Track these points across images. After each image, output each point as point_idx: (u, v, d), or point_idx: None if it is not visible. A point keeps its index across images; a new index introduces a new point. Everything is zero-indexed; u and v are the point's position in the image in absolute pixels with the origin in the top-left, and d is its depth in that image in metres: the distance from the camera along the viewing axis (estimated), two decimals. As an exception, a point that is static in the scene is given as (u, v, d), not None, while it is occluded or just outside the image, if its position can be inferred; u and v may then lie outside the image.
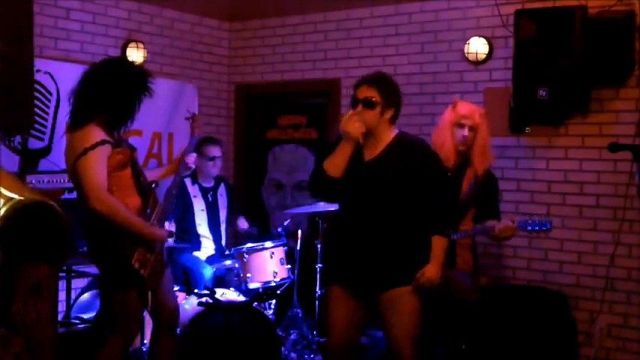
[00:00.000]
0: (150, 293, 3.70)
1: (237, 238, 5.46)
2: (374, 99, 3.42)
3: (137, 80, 3.67)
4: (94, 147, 3.45)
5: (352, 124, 3.41)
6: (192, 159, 4.16)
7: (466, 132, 4.03)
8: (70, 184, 4.54)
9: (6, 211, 1.47)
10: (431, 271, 3.44)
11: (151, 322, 4.16)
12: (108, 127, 3.56)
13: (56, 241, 1.58)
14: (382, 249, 3.44)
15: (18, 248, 1.51)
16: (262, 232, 5.72)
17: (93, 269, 4.90)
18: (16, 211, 1.48)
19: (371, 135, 3.48)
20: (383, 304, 3.46)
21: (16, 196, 1.51)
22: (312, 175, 3.65)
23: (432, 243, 3.47)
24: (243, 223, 5.47)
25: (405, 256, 3.46)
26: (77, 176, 3.50)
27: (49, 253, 1.56)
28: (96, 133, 3.50)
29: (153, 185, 3.79)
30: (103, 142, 3.48)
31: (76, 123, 3.58)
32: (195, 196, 5.32)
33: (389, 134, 3.52)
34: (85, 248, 4.55)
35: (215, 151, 5.34)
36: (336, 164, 3.49)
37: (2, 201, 1.49)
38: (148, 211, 3.66)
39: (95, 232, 3.60)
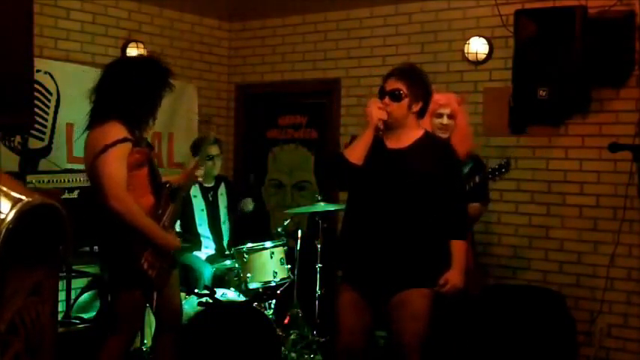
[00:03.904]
0: (155, 293, 3.69)
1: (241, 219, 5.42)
2: (401, 92, 3.39)
3: (160, 77, 3.65)
4: (114, 144, 3.41)
5: (375, 109, 3.38)
6: (201, 172, 4.18)
7: (445, 120, 4.09)
8: (69, 184, 4.56)
9: (17, 212, 1.46)
10: (455, 277, 3.40)
11: (151, 322, 4.17)
12: (129, 124, 3.52)
13: (60, 242, 1.58)
14: (395, 246, 3.39)
15: (23, 249, 1.50)
16: (262, 230, 5.72)
17: (93, 269, 4.94)
18: (26, 213, 1.48)
19: (397, 127, 3.45)
20: (394, 306, 3.41)
21: (24, 198, 1.50)
22: (330, 162, 3.63)
23: (451, 247, 3.42)
24: (248, 205, 5.44)
25: (419, 256, 3.41)
26: (96, 173, 3.46)
27: (51, 254, 1.56)
28: (117, 130, 3.46)
29: (167, 185, 3.78)
30: (124, 140, 3.45)
31: (97, 119, 3.54)
32: (195, 196, 5.31)
33: (416, 130, 3.48)
34: (87, 248, 4.58)
35: (213, 150, 5.33)
36: (357, 151, 3.43)
37: (10, 202, 1.48)
38: (160, 212, 3.65)
39: (107, 229, 3.58)
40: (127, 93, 3.53)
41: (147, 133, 3.80)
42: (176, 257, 3.91)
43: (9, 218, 1.44)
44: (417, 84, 3.44)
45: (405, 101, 3.40)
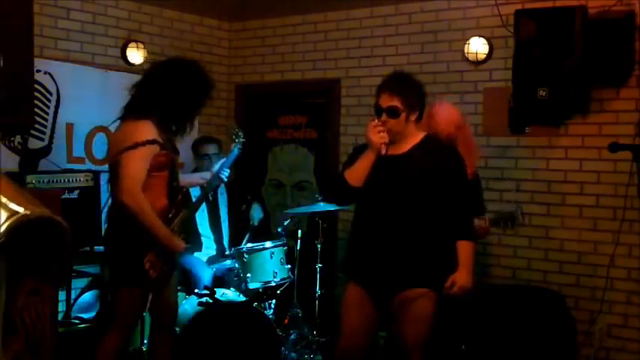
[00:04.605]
0: (152, 294, 3.70)
1: (248, 230, 5.40)
2: (397, 108, 3.39)
3: (201, 86, 3.69)
4: (144, 144, 3.48)
5: (376, 133, 3.38)
6: (226, 173, 4.27)
7: None
8: (69, 184, 4.56)
9: (9, 226, 1.43)
10: (462, 278, 3.39)
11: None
12: (162, 126, 3.58)
13: (58, 260, 1.56)
14: (401, 246, 3.41)
15: (21, 264, 1.48)
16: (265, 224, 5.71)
17: (93, 269, 4.94)
18: (21, 226, 1.45)
19: (398, 138, 3.46)
20: (398, 306, 3.43)
21: (21, 210, 1.48)
22: (331, 183, 3.72)
23: (458, 248, 3.42)
24: (258, 213, 5.42)
25: (425, 256, 3.42)
26: (119, 166, 3.52)
27: (49, 271, 1.55)
28: (149, 130, 3.52)
29: (184, 190, 3.81)
30: (153, 142, 3.51)
31: (133, 114, 3.58)
32: (195, 196, 5.31)
33: (416, 135, 3.50)
34: (87, 248, 4.59)
35: (210, 149, 5.35)
36: (358, 174, 3.45)
37: (6, 214, 1.45)
38: (170, 216, 3.67)
39: (116, 225, 3.62)
40: (169, 95, 3.57)
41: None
42: (176, 260, 3.93)
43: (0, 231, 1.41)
44: (411, 95, 3.44)
45: (402, 115, 3.41)
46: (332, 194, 3.78)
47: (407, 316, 3.41)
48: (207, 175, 4.43)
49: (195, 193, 5.17)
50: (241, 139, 4.66)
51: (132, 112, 3.60)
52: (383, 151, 3.39)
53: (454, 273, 3.41)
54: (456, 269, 3.41)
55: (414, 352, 3.42)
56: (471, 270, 3.45)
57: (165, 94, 3.57)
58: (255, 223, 5.34)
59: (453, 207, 3.45)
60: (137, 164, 3.48)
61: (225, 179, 4.37)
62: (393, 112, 3.40)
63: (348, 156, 3.75)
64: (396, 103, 3.39)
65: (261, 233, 5.52)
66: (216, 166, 4.48)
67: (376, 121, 3.41)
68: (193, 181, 4.38)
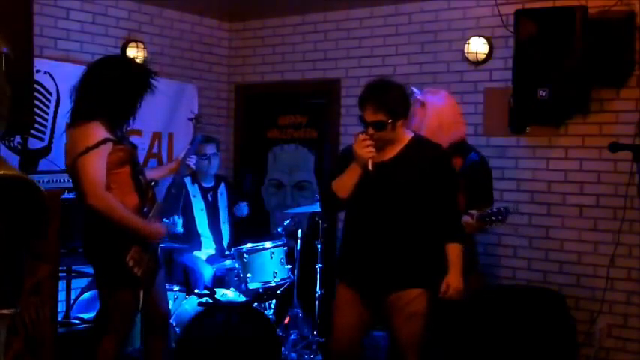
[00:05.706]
0: (142, 293, 3.69)
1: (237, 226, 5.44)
2: (383, 121, 3.37)
3: (138, 79, 3.68)
4: (96, 146, 3.47)
5: (363, 148, 3.36)
6: (193, 160, 4.25)
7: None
8: (69, 184, 4.57)
9: None
10: (455, 280, 3.41)
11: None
12: (110, 124, 3.58)
13: (37, 215, 1.55)
14: (392, 248, 3.42)
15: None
16: (261, 230, 5.72)
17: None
18: None
19: (386, 144, 3.46)
20: (391, 307, 3.44)
21: None
22: (322, 194, 3.74)
23: (447, 250, 3.43)
24: (242, 210, 5.45)
25: (415, 257, 3.43)
26: (77, 173, 3.52)
27: (32, 227, 1.54)
28: (98, 132, 3.51)
29: (152, 184, 3.80)
30: (105, 141, 3.50)
31: (79, 119, 3.58)
32: (194, 196, 5.32)
33: (404, 137, 3.50)
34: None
35: (209, 149, 5.34)
36: (345, 186, 3.45)
37: None
38: (145, 210, 3.67)
39: (91, 229, 3.62)
40: (108, 93, 3.56)
41: (128, 134, 3.85)
42: (167, 256, 3.92)
43: None
44: (395, 105, 3.40)
45: (389, 127, 3.39)
46: (323, 205, 3.80)
47: (400, 316, 3.42)
48: (172, 164, 4.41)
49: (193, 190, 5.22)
50: (203, 125, 4.67)
51: (78, 117, 3.59)
52: (370, 167, 3.36)
53: (445, 275, 3.42)
54: (446, 270, 3.42)
55: (410, 353, 3.43)
56: (461, 272, 3.46)
57: (105, 94, 3.55)
58: (244, 215, 5.35)
59: (441, 208, 3.45)
60: (93, 165, 3.47)
61: (194, 166, 4.36)
62: (379, 126, 3.38)
63: (335, 163, 3.74)
64: (381, 117, 3.36)
65: (261, 233, 5.53)
66: (182, 154, 4.45)
67: (364, 135, 3.39)
68: (162, 174, 4.33)
